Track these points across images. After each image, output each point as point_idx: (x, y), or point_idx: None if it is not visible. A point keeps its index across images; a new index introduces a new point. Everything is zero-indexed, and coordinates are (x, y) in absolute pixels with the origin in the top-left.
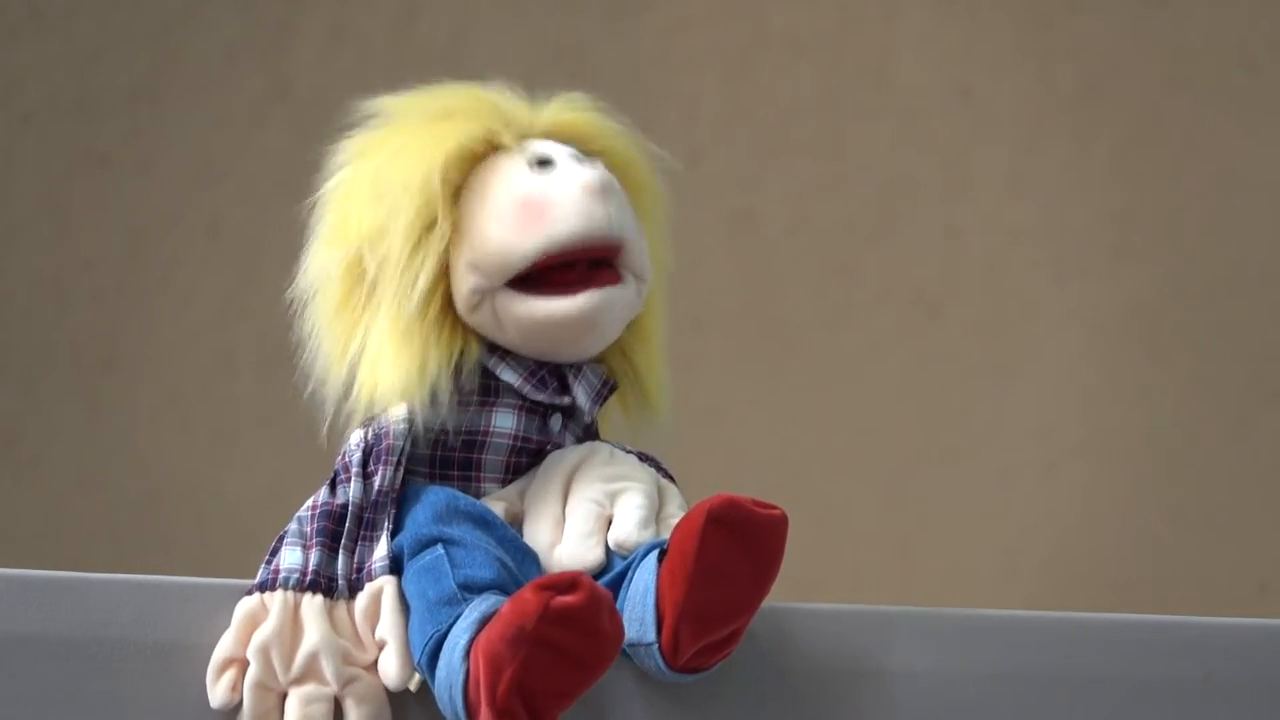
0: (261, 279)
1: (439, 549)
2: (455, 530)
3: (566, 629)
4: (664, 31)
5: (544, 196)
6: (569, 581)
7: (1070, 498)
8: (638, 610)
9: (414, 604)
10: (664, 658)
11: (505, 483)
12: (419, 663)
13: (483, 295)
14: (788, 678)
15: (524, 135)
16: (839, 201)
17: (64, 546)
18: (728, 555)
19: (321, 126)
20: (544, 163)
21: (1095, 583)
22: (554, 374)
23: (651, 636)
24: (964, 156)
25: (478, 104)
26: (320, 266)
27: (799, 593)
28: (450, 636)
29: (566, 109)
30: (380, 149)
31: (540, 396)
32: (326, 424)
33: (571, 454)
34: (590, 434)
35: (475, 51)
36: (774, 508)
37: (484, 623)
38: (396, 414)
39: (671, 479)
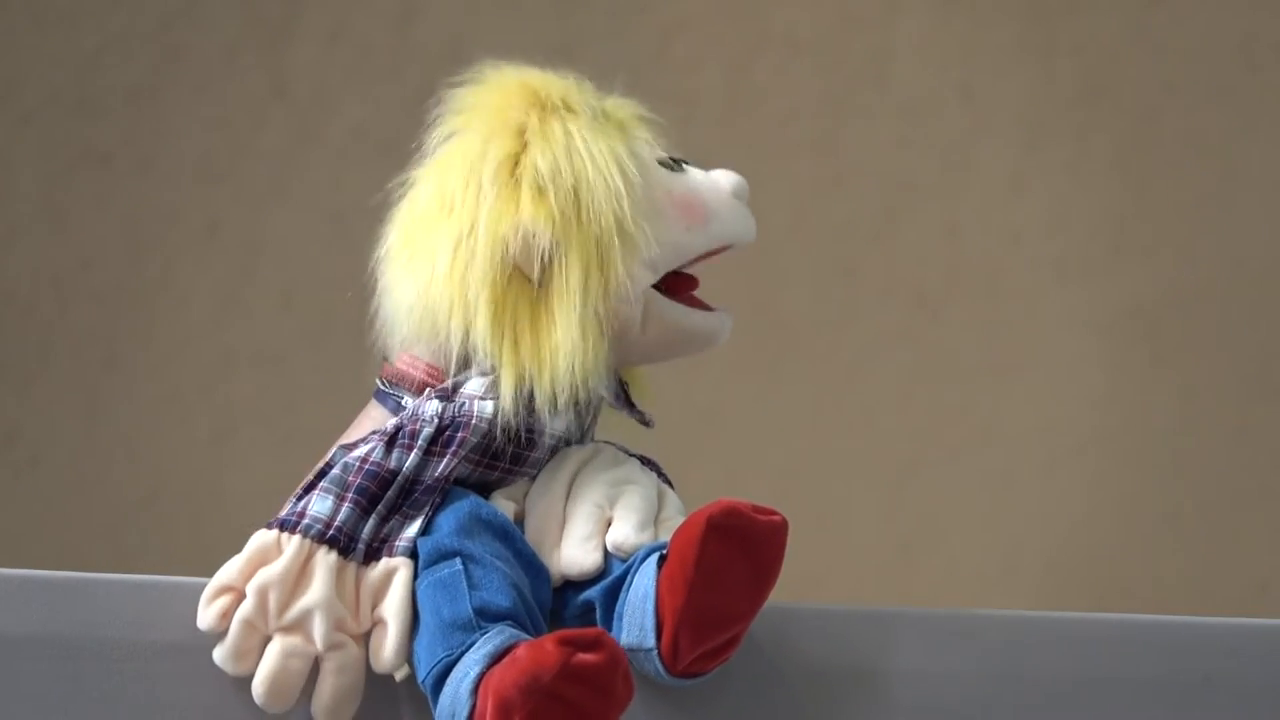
0: (261, 279)
1: (457, 563)
2: (476, 545)
3: (582, 687)
4: (664, 31)
5: (700, 197)
6: (592, 640)
7: (1070, 498)
8: (637, 615)
9: (425, 617)
10: (663, 663)
11: (534, 479)
12: (423, 682)
13: (645, 293)
14: (787, 678)
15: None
16: (839, 201)
17: (64, 546)
18: (727, 562)
19: (321, 126)
20: (668, 165)
21: (1095, 583)
22: (620, 384)
23: (651, 642)
24: (964, 156)
25: (581, 93)
26: (485, 247)
27: (799, 593)
28: (460, 665)
29: (625, 106)
30: (538, 133)
31: (617, 406)
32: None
33: (576, 454)
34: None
35: (475, 51)
36: (774, 513)
37: (495, 657)
38: (484, 409)
39: (670, 484)
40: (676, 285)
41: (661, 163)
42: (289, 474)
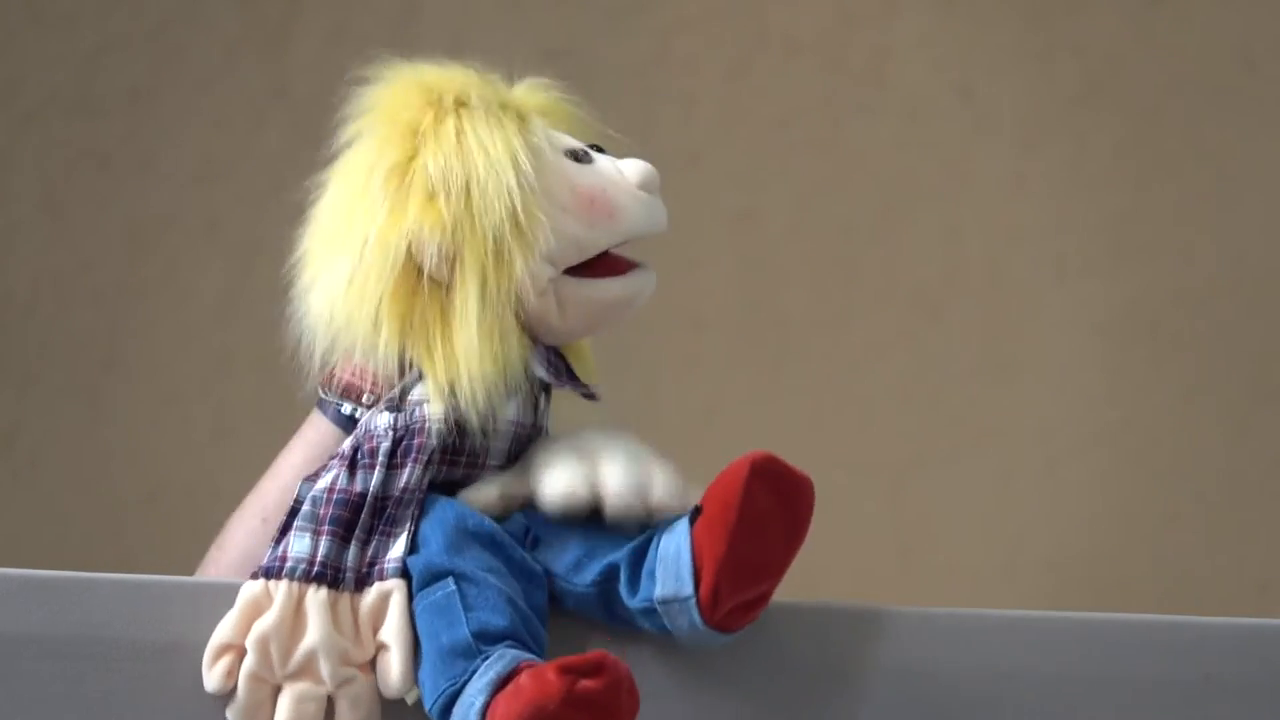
0: (261, 279)
1: (450, 584)
2: (466, 561)
3: (587, 712)
4: (664, 31)
5: (606, 191)
6: (594, 664)
7: (1070, 498)
8: (672, 567)
9: (425, 644)
10: (701, 612)
11: (503, 469)
12: (430, 711)
13: (549, 283)
14: (787, 677)
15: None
16: (839, 201)
17: (64, 546)
18: (767, 509)
19: (321, 127)
20: (577, 156)
21: (1095, 583)
22: (559, 357)
23: (689, 590)
24: (964, 156)
25: (480, 88)
26: (379, 253)
27: (799, 592)
28: (465, 695)
29: (536, 93)
30: (430, 134)
31: (559, 382)
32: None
33: (566, 432)
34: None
35: (475, 52)
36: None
37: (499, 684)
38: (434, 412)
39: None
40: (590, 261)
41: (570, 153)
42: None
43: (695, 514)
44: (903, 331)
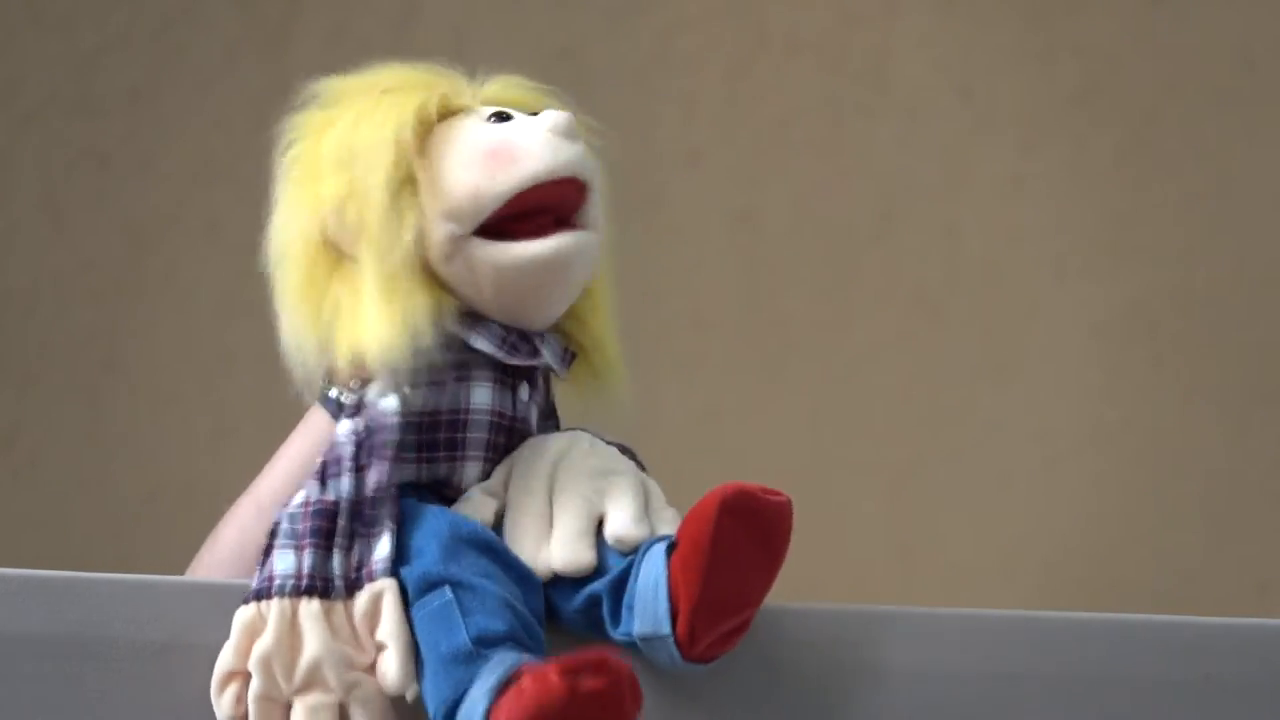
0: (261, 279)
1: (447, 592)
2: (461, 568)
3: (592, 712)
4: (664, 31)
5: (511, 141)
6: (596, 664)
7: (1070, 498)
8: (650, 603)
9: (426, 654)
10: (679, 649)
11: (488, 460)
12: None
13: (456, 244)
14: (787, 678)
15: (469, 104)
16: (839, 201)
17: (64, 546)
18: (740, 544)
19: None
20: (502, 116)
21: (1095, 583)
22: (523, 338)
23: (667, 629)
24: (964, 156)
25: (423, 78)
26: (286, 239)
27: (799, 593)
28: (467, 703)
29: (508, 85)
30: (334, 123)
31: (515, 360)
32: (302, 389)
33: (552, 444)
34: (552, 412)
35: (475, 51)
36: (780, 494)
37: (501, 688)
38: (388, 405)
39: (645, 472)
40: (516, 228)
41: (492, 115)
42: None
43: (672, 546)
44: (903, 331)
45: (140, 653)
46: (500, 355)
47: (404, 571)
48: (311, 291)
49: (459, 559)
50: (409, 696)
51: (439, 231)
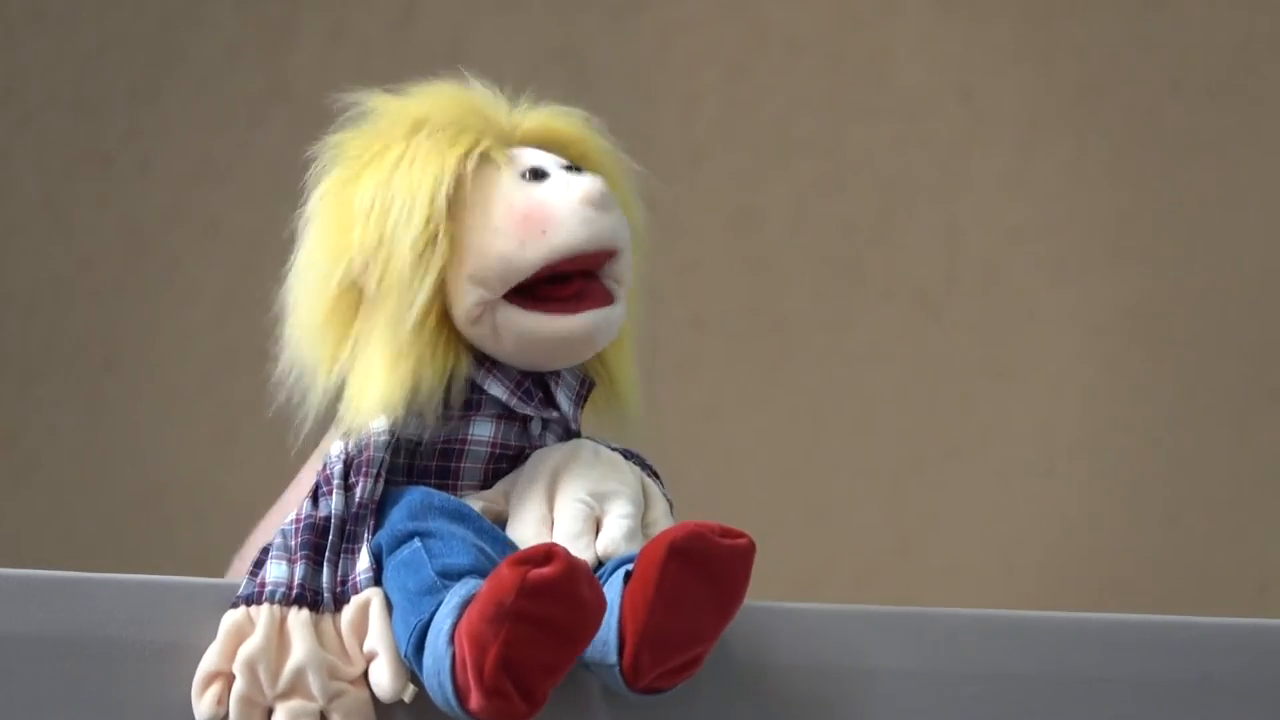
0: (261, 278)
1: (415, 542)
2: (431, 524)
3: (546, 601)
4: (664, 31)
5: (543, 207)
6: (544, 554)
7: (1070, 498)
8: (601, 630)
9: (395, 598)
10: (625, 680)
11: (484, 488)
12: (405, 654)
13: (484, 308)
14: (786, 679)
15: (508, 141)
16: (839, 201)
17: (64, 546)
18: (688, 586)
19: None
20: (537, 174)
21: (1095, 583)
22: (538, 384)
23: (613, 659)
24: (964, 156)
25: (463, 110)
26: (315, 274)
27: (799, 592)
28: (434, 624)
29: (550, 117)
30: (375, 159)
31: (527, 410)
32: (304, 431)
33: (555, 453)
34: (572, 432)
35: (475, 52)
36: (740, 536)
37: (465, 606)
38: (378, 426)
39: (656, 475)
40: (545, 291)
41: (527, 172)
42: (289, 474)
43: (629, 575)
44: (903, 331)
45: (140, 653)
46: (513, 404)
47: (376, 539)
48: (330, 331)
49: (428, 519)
50: (406, 699)
51: (468, 296)
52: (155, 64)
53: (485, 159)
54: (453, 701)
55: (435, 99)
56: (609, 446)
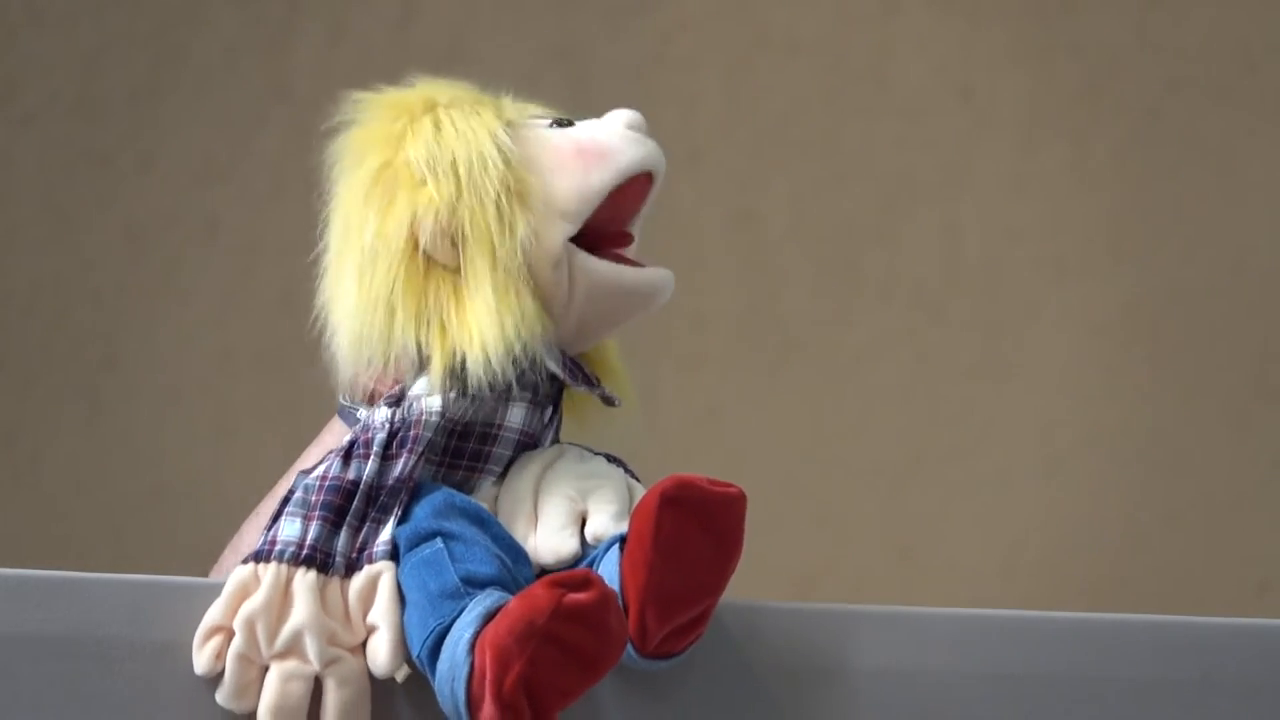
0: (261, 279)
1: (438, 542)
2: (453, 525)
3: (577, 626)
4: (664, 31)
5: (594, 140)
6: (581, 579)
7: (1070, 498)
8: None
9: (412, 595)
10: (633, 644)
11: (504, 476)
12: (419, 655)
13: (567, 251)
14: (785, 678)
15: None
16: (839, 201)
17: (64, 546)
18: (685, 535)
19: (321, 127)
20: (563, 123)
21: (1095, 583)
22: (576, 364)
23: None
24: (964, 156)
25: (467, 93)
26: (378, 242)
27: (799, 592)
28: (454, 630)
29: (532, 107)
30: (407, 131)
31: (577, 386)
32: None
33: (540, 455)
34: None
35: (475, 52)
36: (730, 486)
37: (488, 618)
38: (431, 404)
39: (637, 479)
40: (604, 242)
41: (553, 123)
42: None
43: (624, 542)
44: (903, 331)
45: (140, 653)
46: (566, 379)
47: (398, 530)
48: (409, 297)
49: (451, 519)
50: (399, 678)
51: (554, 234)
52: (155, 64)
53: (510, 125)
54: (462, 710)
55: (435, 86)
56: (592, 451)
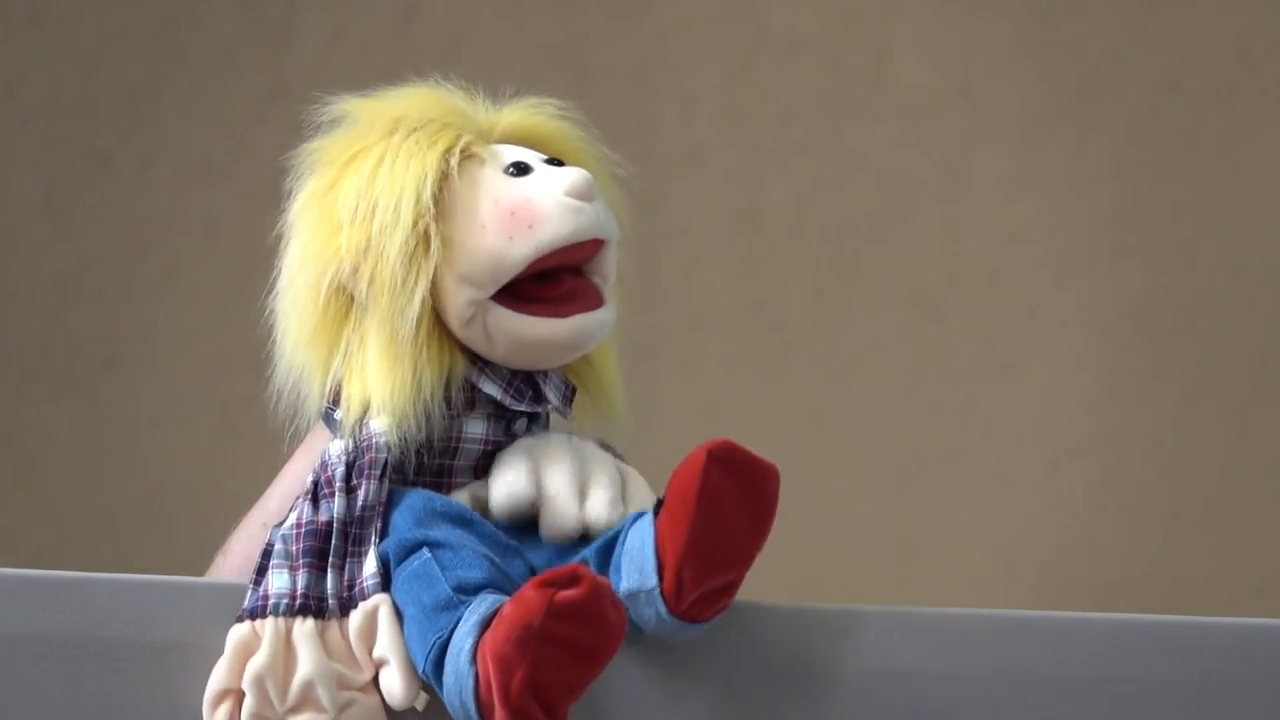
0: (261, 278)
1: (425, 553)
2: (438, 532)
3: (572, 623)
4: (664, 31)
5: (530, 202)
6: (569, 576)
7: (1070, 498)
8: (636, 561)
9: (408, 611)
10: (666, 603)
11: (478, 474)
12: (424, 670)
13: (476, 309)
14: (786, 678)
15: (487, 138)
16: (839, 201)
17: (64, 546)
18: (728, 495)
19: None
20: (520, 169)
21: (1095, 583)
22: (528, 382)
23: (653, 582)
24: (964, 156)
25: (442, 109)
26: (299, 281)
27: (799, 592)
28: (453, 642)
29: (526, 113)
30: (355, 161)
31: (520, 406)
32: (303, 437)
33: (534, 439)
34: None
35: (475, 52)
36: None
37: (485, 624)
38: (378, 426)
39: (626, 463)
40: (536, 291)
41: (510, 167)
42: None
43: (659, 506)
44: (903, 331)
45: (140, 653)
46: (506, 401)
47: (383, 546)
48: (322, 336)
49: (434, 526)
50: (419, 707)
51: (459, 296)
52: (155, 64)
53: (467, 156)
54: (475, 718)
55: (411, 99)
56: (581, 437)
